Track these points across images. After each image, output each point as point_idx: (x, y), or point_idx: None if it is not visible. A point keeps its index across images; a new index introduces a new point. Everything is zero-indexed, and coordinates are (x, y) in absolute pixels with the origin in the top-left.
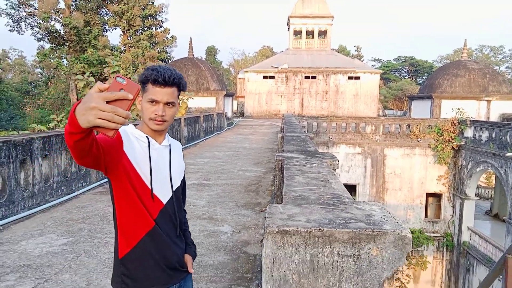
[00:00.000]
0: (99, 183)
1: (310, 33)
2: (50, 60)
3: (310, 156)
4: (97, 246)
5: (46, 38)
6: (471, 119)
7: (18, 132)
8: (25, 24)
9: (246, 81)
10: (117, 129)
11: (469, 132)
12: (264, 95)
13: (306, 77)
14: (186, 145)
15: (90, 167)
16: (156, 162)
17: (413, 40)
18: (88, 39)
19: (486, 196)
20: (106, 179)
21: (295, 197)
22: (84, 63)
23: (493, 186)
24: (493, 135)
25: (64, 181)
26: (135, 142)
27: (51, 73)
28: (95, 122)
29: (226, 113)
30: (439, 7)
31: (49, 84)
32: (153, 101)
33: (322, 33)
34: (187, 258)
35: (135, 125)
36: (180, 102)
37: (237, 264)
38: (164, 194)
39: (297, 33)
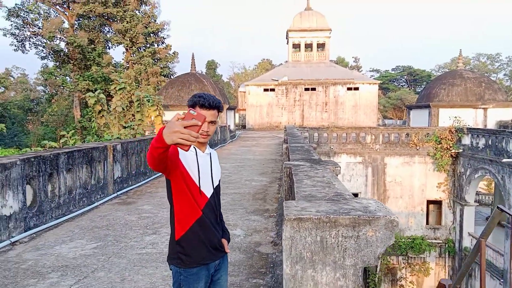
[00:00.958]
0: (115, 194)
1: (308, 46)
2: (55, 78)
3: (314, 164)
4: (124, 249)
5: (50, 56)
6: (468, 126)
7: (20, 149)
8: (29, 43)
9: (247, 94)
10: (191, 145)
11: (466, 140)
12: (265, 108)
13: (306, 89)
14: None
15: (159, 171)
16: (202, 166)
17: (411, 50)
18: (92, 56)
19: (487, 202)
20: (121, 191)
21: (305, 195)
22: (89, 80)
23: (493, 193)
24: (490, 142)
25: (85, 192)
26: (186, 152)
27: (55, 91)
28: (177, 141)
29: (229, 126)
30: (436, 15)
31: (52, 101)
32: None
33: (321, 46)
34: (224, 241)
35: None
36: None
37: (252, 261)
38: (208, 191)
39: (296, 46)
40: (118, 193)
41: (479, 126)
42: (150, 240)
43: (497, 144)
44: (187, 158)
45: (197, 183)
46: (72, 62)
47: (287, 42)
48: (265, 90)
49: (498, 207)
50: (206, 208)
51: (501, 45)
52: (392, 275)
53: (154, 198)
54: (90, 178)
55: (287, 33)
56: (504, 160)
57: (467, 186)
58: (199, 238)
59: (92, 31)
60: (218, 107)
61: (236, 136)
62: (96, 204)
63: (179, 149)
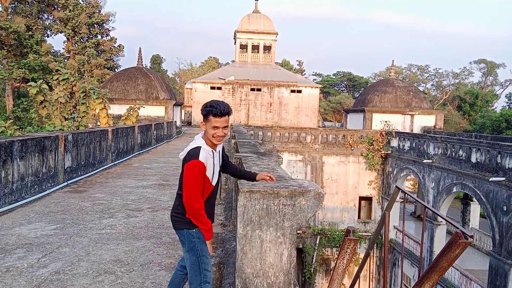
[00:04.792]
0: (66, 183)
1: (255, 48)
2: None
3: (261, 155)
4: (84, 230)
5: None
6: (396, 130)
7: None
8: None
9: (193, 91)
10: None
11: (394, 142)
12: None
13: (252, 89)
14: (140, 151)
15: None
16: (216, 165)
17: (351, 57)
18: (29, 44)
19: (411, 200)
20: (71, 180)
21: None
22: (25, 69)
23: (417, 191)
24: (414, 145)
25: (37, 180)
26: (209, 158)
27: None
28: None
29: (175, 121)
30: (376, 27)
31: None
32: (215, 127)
33: (267, 48)
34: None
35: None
36: (131, 111)
37: None
38: (215, 180)
39: (243, 47)
40: (69, 182)
41: (406, 130)
42: (108, 223)
43: (419, 147)
44: (210, 168)
45: (211, 180)
46: (6, 48)
47: (235, 42)
48: (212, 88)
49: (396, 186)
50: (212, 193)
51: (431, 58)
52: (326, 266)
53: (105, 187)
54: (42, 166)
55: (234, 33)
56: (425, 161)
57: (394, 184)
58: (205, 210)
59: (29, 17)
60: (228, 113)
61: (182, 132)
62: (47, 191)
63: (206, 166)
